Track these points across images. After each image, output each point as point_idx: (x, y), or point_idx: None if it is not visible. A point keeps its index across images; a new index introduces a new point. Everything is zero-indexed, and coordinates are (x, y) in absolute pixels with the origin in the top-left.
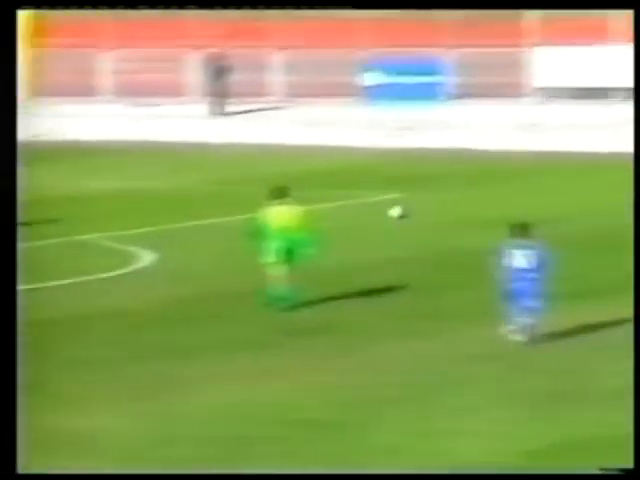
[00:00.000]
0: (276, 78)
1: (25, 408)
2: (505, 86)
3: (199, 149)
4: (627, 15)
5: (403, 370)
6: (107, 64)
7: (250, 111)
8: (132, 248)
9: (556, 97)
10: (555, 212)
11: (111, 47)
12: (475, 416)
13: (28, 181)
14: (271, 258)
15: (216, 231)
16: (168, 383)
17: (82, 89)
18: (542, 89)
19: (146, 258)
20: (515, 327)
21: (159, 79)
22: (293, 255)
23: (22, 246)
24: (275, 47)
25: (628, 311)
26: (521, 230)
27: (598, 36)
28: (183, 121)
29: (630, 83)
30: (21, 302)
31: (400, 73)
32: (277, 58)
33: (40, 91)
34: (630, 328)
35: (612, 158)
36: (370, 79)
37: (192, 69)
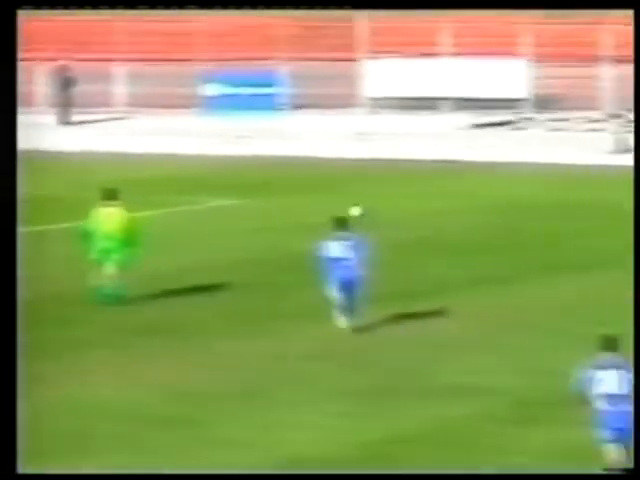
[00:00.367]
0: (120, 90)
1: None
2: (338, 97)
3: (49, 156)
4: (455, 27)
5: (241, 367)
6: None
7: (96, 121)
8: None
9: (386, 107)
10: (379, 217)
11: None
12: (310, 410)
13: None
14: (96, 257)
15: (55, 236)
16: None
17: None
18: (373, 99)
19: None
20: (340, 312)
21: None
22: (117, 255)
23: None
24: (119, 60)
25: (454, 310)
26: (340, 224)
27: (426, 48)
28: (33, 129)
29: (457, 94)
30: None
31: (239, 85)
32: (120, 71)
33: None
34: (457, 325)
35: (438, 166)
36: (210, 90)
37: (41, 81)
